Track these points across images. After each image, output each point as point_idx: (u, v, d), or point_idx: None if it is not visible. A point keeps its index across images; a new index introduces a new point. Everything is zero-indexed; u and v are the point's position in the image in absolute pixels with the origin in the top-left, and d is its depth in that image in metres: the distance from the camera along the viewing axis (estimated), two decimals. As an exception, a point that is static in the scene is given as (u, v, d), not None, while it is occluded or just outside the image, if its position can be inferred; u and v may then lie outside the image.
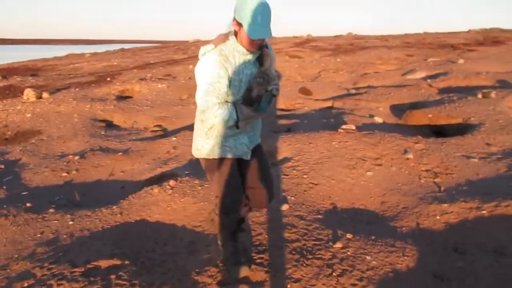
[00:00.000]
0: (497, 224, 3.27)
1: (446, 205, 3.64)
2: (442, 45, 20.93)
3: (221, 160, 2.57)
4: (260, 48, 2.42)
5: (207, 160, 2.61)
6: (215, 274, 2.81)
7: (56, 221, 3.70)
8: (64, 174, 5.13)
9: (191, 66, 13.25)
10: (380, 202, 3.94)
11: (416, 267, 2.85)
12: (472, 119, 6.20)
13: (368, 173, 4.42)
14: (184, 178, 4.32)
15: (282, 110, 8.42)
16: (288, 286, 2.62)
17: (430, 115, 6.70)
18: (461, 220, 3.45)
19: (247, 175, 2.68)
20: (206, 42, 2.48)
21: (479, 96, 7.33)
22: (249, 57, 2.37)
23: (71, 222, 3.67)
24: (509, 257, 2.89)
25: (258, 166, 2.69)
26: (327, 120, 6.93)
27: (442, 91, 8.94)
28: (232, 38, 2.34)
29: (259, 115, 2.47)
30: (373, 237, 3.18)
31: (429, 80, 10.13)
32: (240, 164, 2.65)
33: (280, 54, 17.80)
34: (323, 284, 2.64)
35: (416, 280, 2.72)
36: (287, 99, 9.06)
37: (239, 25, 2.23)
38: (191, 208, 3.82)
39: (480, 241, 3.14)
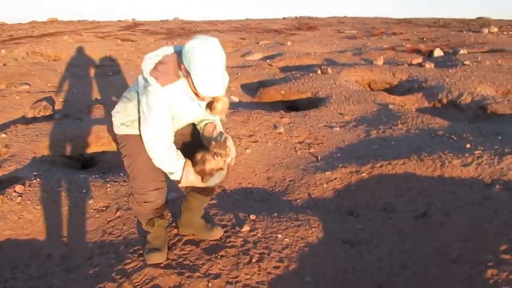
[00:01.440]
0: (378, 184, 3.51)
1: (328, 172, 3.75)
2: (267, 30, 22.40)
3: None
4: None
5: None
6: (114, 291, 2.24)
7: None
8: None
9: (3, 51, 10.97)
10: (266, 178, 3.84)
11: (325, 236, 2.81)
12: (320, 93, 6.67)
13: (247, 150, 4.27)
14: (35, 181, 3.42)
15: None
16: (209, 285, 2.26)
17: (282, 92, 6.96)
18: (345, 185, 3.60)
19: None
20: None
21: (319, 72, 7.97)
22: (197, 102, 2.18)
23: None
24: (399, 211, 3.11)
25: None
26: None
27: (282, 69, 9.47)
28: (183, 80, 2.06)
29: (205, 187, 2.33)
30: (275, 214, 3.03)
31: (268, 61, 10.62)
32: None
33: (110, 38, 16.33)
34: (246, 274, 2.36)
35: (329, 250, 2.68)
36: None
37: (188, 73, 1.96)
38: (52, 215, 3.04)
39: (369, 202, 3.32)
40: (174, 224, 2.82)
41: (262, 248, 2.61)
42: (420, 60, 9.28)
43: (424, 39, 15.24)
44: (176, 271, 2.35)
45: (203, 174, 2.18)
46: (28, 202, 3.14)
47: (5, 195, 3.17)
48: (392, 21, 28.29)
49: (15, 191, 3.23)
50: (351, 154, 4.17)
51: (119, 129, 2.35)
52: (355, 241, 2.81)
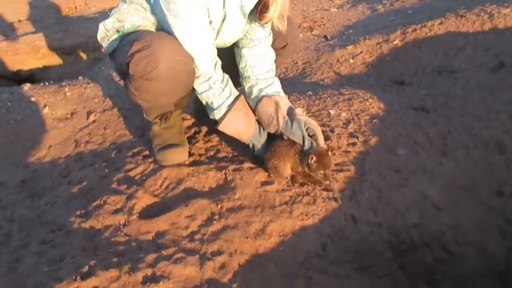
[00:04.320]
0: (419, 49, 2.79)
1: (350, 47, 2.98)
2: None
3: None
4: None
5: None
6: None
7: None
8: None
9: None
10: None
11: (388, 106, 2.07)
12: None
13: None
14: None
15: None
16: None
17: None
18: (377, 56, 2.86)
19: None
20: None
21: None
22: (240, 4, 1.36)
23: None
24: (464, 70, 2.43)
25: None
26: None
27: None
28: None
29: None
30: (309, 93, 2.25)
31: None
32: None
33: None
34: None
35: (405, 119, 1.95)
36: None
37: None
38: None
39: (418, 69, 2.62)
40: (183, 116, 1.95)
41: (319, 125, 1.83)
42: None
43: None
44: (213, 166, 1.53)
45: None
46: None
47: None
48: None
49: None
50: (366, 28, 3.38)
51: (110, 43, 1.42)
52: (428, 106, 2.11)
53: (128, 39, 1.38)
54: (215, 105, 1.42)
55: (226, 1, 1.32)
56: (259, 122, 1.51)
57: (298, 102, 2.10)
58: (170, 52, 1.29)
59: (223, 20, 1.37)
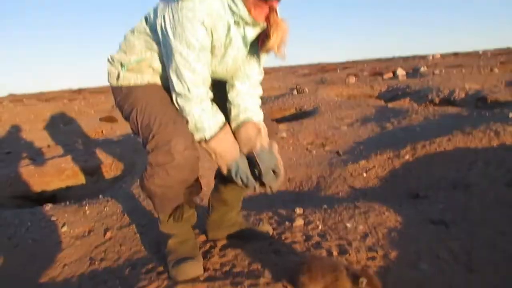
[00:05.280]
0: (430, 164, 2.85)
1: (363, 162, 3.07)
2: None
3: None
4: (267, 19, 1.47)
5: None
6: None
7: None
8: None
9: None
10: (287, 180, 3.07)
11: (406, 220, 2.05)
12: (305, 107, 6.13)
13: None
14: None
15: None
16: (288, 294, 1.41)
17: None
18: (390, 171, 2.92)
19: None
20: None
21: (295, 92, 7.52)
22: (250, 29, 1.50)
23: None
24: (478, 184, 2.43)
25: None
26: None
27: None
28: None
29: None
30: (325, 207, 2.25)
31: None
32: None
33: (56, 100, 15.17)
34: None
35: (425, 232, 1.91)
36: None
37: None
38: (12, 259, 2.07)
39: (432, 183, 2.63)
40: (197, 230, 1.95)
41: (336, 239, 1.80)
42: (391, 75, 9.14)
43: (377, 68, 15.60)
44: (228, 281, 1.48)
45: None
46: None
47: None
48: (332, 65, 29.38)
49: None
50: (377, 145, 3.51)
51: (117, 78, 1.57)
52: (448, 220, 2.07)
53: (136, 109, 1.51)
54: (206, 125, 1.48)
55: (231, 28, 1.43)
56: None
57: (313, 215, 2.09)
58: (185, 142, 1.42)
59: (226, 47, 1.47)
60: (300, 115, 5.93)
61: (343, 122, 4.65)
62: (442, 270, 1.61)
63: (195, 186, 1.63)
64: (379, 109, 5.12)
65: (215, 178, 1.84)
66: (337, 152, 3.51)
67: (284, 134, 4.11)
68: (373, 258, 1.63)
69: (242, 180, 1.53)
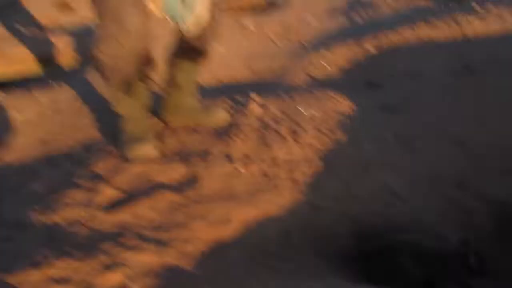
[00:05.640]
0: (391, 55, 2.86)
1: (324, 51, 3.04)
2: None
3: None
4: None
5: None
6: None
7: None
8: None
9: None
10: (249, 69, 3.05)
11: (359, 106, 2.10)
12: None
13: (219, 49, 3.39)
14: None
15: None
16: (237, 167, 1.48)
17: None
18: (350, 61, 2.91)
19: None
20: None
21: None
22: None
23: None
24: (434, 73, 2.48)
25: None
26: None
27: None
28: None
29: None
30: (280, 93, 2.27)
31: None
32: None
33: None
34: (281, 150, 1.61)
35: (370, 117, 1.99)
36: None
37: None
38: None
39: (389, 72, 2.66)
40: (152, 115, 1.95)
41: (290, 123, 1.85)
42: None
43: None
44: (179, 159, 1.53)
45: None
46: None
47: None
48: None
49: None
50: (342, 36, 3.45)
51: None
52: (396, 106, 2.14)
53: None
54: None
55: None
56: None
57: (269, 102, 2.11)
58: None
59: None
60: (269, 8, 5.66)
61: (312, 14, 4.49)
62: (385, 150, 1.71)
63: (148, 60, 1.56)
64: (350, 0, 4.94)
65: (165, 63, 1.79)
66: (301, 43, 3.44)
67: (251, 27, 3.97)
68: (319, 138, 1.70)
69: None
